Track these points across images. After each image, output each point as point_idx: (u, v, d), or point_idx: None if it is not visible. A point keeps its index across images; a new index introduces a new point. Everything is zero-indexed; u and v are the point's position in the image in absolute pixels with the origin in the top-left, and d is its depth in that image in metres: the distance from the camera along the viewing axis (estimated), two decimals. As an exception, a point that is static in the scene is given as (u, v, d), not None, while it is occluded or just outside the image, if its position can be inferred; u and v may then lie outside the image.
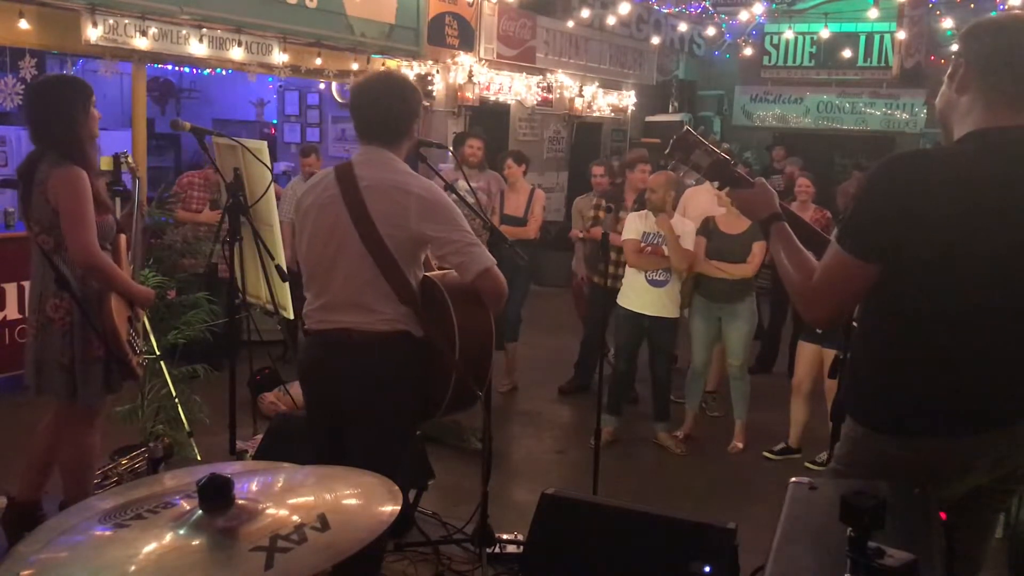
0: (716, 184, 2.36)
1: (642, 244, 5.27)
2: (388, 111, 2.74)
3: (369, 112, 2.75)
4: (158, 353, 4.21)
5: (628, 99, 12.48)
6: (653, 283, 5.26)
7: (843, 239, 1.94)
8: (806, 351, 5.18)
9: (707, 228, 5.29)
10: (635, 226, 5.31)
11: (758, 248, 5.14)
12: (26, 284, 5.75)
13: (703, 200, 5.93)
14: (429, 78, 9.08)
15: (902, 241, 1.86)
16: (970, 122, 1.95)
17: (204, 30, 6.92)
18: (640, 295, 5.30)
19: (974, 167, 1.88)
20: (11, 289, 5.81)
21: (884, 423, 2.00)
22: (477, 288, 2.66)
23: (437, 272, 2.83)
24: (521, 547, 3.50)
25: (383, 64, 8.62)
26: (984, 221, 1.85)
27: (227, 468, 1.67)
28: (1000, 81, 1.91)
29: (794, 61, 13.65)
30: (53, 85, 3.49)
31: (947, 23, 11.32)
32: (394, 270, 2.62)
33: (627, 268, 5.39)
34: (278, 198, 5.14)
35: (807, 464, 5.17)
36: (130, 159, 3.95)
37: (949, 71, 2.04)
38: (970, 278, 1.88)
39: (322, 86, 9.67)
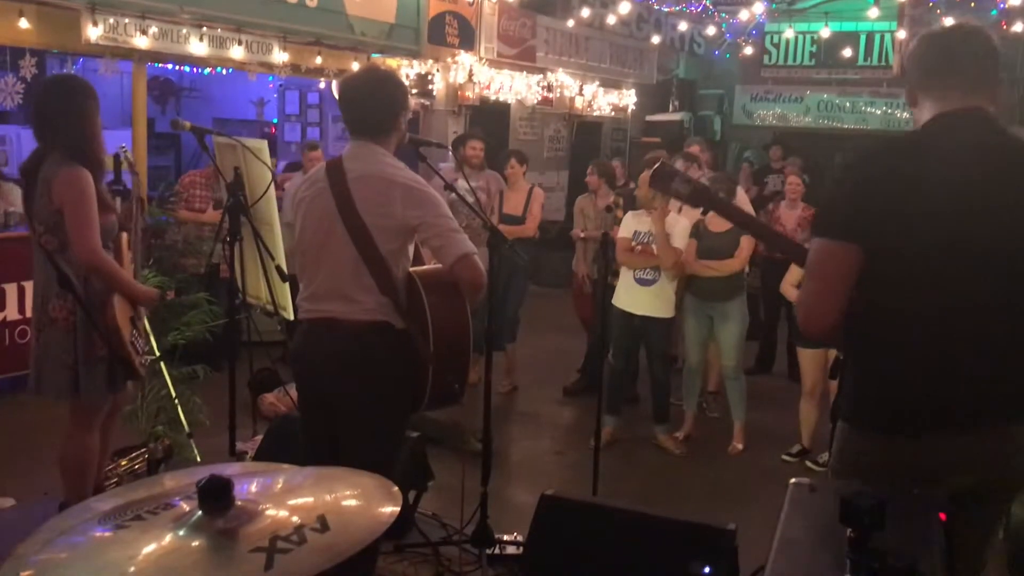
0: (701, 209, 2.43)
1: (633, 243, 5.28)
2: (375, 106, 2.80)
3: (356, 107, 2.82)
4: (158, 354, 4.21)
5: (628, 98, 12.47)
6: (640, 282, 5.27)
7: (818, 228, 2.02)
8: (809, 356, 5.16)
9: (698, 230, 5.31)
10: (629, 225, 5.34)
11: (745, 242, 5.17)
12: (26, 284, 5.79)
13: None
14: (429, 77, 9.08)
15: (874, 222, 1.92)
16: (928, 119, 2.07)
17: (204, 29, 6.92)
18: (629, 294, 5.32)
19: (934, 149, 1.98)
20: (11, 289, 5.81)
21: (864, 422, 2.03)
22: (455, 275, 2.70)
23: (420, 268, 2.87)
24: (521, 548, 3.50)
25: (383, 63, 8.61)
26: (948, 202, 1.91)
27: (227, 469, 1.67)
28: (934, 82, 2.05)
29: (794, 60, 13.63)
30: (64, 84, 3.49)
31: (948, 22, 11.29)
32: (376, 261, 2.67)
33: (620, 267, 5.40)
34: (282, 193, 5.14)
35: (808, 463, 5.18)
36: (128, 154, 3.95)
37: None
38: (934, 268, 1.92)
39: (322, 85, 9.65)
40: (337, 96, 2.92)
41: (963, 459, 1.95)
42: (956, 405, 1.94)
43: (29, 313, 5.74)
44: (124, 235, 3.55)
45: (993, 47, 2.07)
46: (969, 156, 1.95)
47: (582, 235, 6.47)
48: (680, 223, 5.25)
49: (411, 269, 2.82)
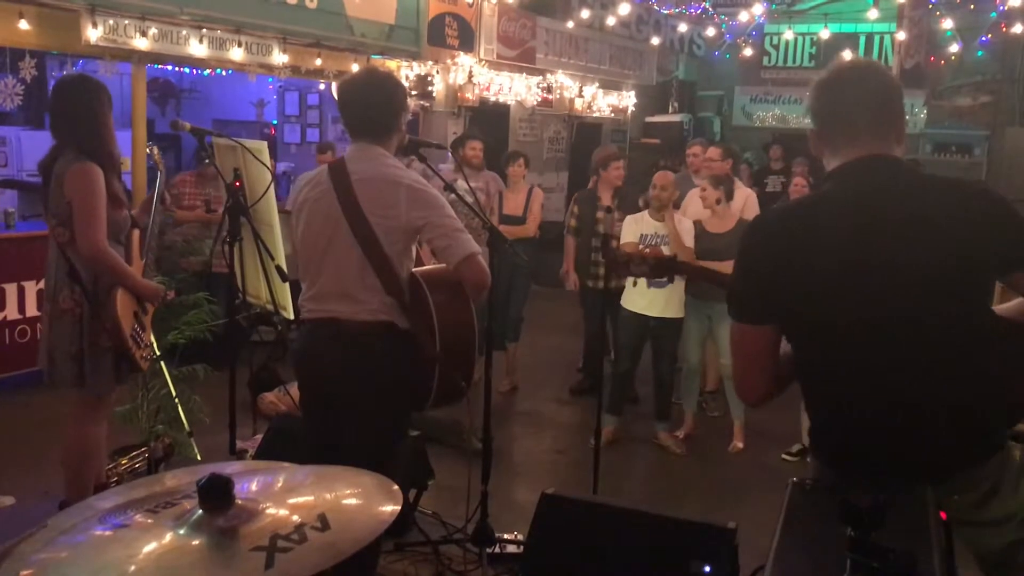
0: (665, 278, 2.46)
1: (640, 246, 5.25)
2: (374, 108, 2.81)
3: (356, 110, 2.83)
4: (158, 353, 4.21)
5: (628, 99, 12.48)
6: (655, 284, 5.25)
7: (731, 309, 1.99)
8: None
9: (696, 231, 5.30)
10: (632, 228, 5.31)
11: None
12: (26, 284, 5.80)
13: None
14: (429, 79, 9.08)
15: (782, 295, 1.90)
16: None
17: (204, 30, 6.92)
18: (643, 296, 5.29)
19: (831, 206, 1.93)
20: (11, 289, 5.82)
21: (816, 452, 2.10)
22: (460, 275, 2.71)
23: (424, 268, 2.88)
24: (521, 547, 3.50)
25: (383, 64, 8.61)
26: (853, 255, 1.85)
27: (227, 468, 1.67)
28: (831, 131, 1.98)
29: (794, 62, 13.64)
30: (77, 83, 3.55)
31: (947, 24, 11.33)
32: (382, 261, 2.68)
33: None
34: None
35: (809, 462, 5.16)
36: (156, 153, 3.99)
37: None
38: (851, 329, 1.88)
39: (322, 86, 9.67)
40: (337, 99, 2.93)
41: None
42: (882, 459, 1.91)
43: (29, 313, 5.79)
44: (136, 232, 3.58)
45: (891, 86, 1.99)
46: (865, 206, 1.88)
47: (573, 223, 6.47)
48: (684, 223, 5.26)
49: (414, 270, 2.83)
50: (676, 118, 12.68)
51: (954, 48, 12.08)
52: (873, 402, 1.90)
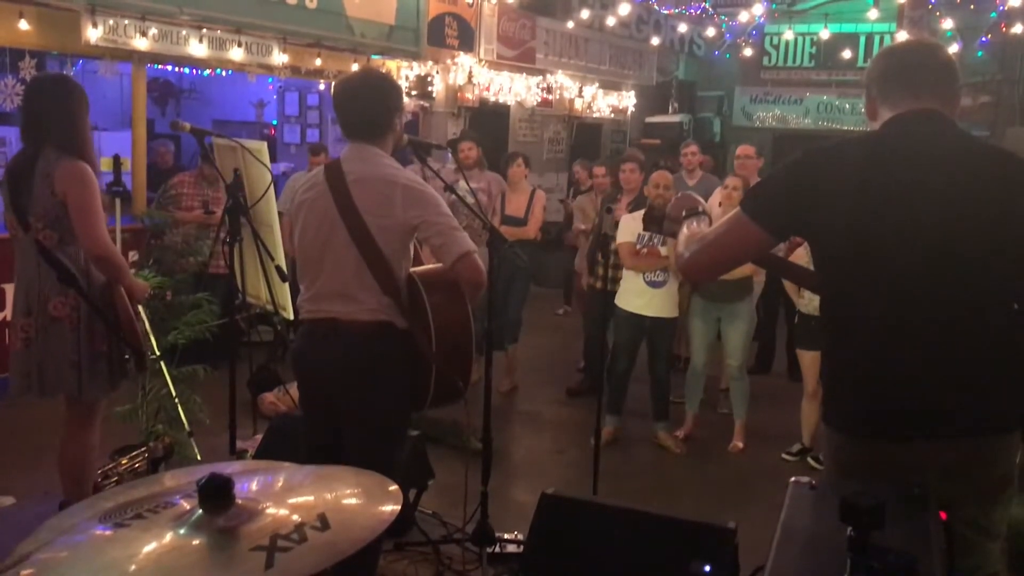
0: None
1: (638, 246, 5.25)
2: (370, 108, 2.82)
3: (352, 110, 2.84)
4: (158, 353, 4.21)
5: (628, 100, 12.47)
6: (652, 284, 5.24)
7: (746, 202, 2.08)
8: (810, 358, 5.11)
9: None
10: (630, 228, 5.26)
11: None
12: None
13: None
14: (429, 79, 9.08)
15: (804, 215, 1.98)
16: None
17: (204, 31, 6.93)
18: (640, 296, 5.28)
19: (877, 146, 2.02)
20: (11, 290, 5.79)
21: (832, 422, 2.08)
22: (456, 273, 2.72)
23: (420, 268, 2.88)
24: (521, 547, 3.50)
25: (383, 65, 8.62)
26: (893, 198, 1.91)
27: (227, 468, 1.67)
28: (893, 88, 2.07)
29: (794, 62, 13.64)
30: (55, 82, 3.51)
31: (947, 24, 11.31)
32: (379, 261, 2.69)
33: (624, 270, 5.36)
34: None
35: (809, 460, 5.17)
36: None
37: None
38: (887, 267, 1.91)
39: (322, 87, 9.67)
40: (332, 100, 2.95)
41: (924, 466, 1.91)
42: (909, 413, 1.92)
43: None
44: None
45: (950, 61, 2.09)
46: (919, 153, 1.95)
47: (583, 227, 6.50)
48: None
49: (411, 269, 2.83)
50: (676, 118, 12.67)
51: (954, 48, 12.06)
52: (895, 357, 1.92)
